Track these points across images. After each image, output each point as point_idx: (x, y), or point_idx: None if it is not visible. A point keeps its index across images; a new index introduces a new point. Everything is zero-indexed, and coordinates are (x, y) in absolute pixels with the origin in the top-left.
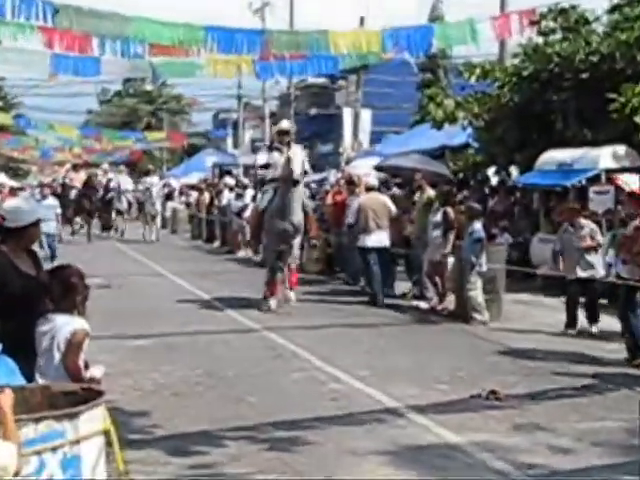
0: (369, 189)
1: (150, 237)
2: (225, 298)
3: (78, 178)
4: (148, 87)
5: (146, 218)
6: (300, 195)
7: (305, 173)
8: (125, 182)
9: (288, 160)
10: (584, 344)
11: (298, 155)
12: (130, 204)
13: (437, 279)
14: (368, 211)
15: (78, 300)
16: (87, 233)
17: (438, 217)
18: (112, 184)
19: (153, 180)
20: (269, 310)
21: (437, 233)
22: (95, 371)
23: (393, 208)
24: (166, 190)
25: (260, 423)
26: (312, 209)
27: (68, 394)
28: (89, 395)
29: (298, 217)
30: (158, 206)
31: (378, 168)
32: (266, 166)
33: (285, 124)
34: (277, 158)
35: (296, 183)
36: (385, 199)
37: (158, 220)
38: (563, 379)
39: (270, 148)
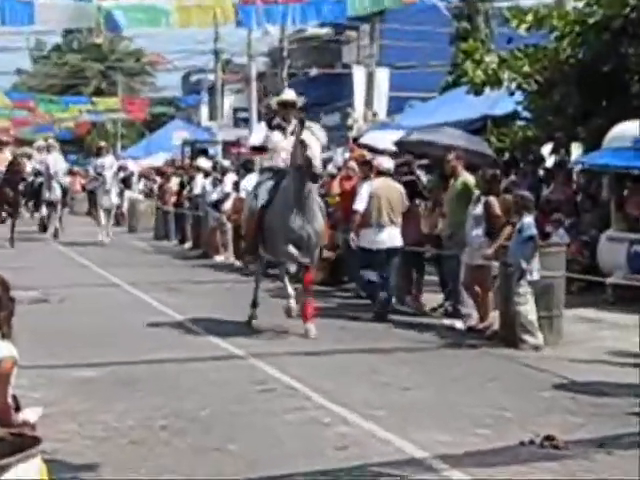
0: (380, 173)
1: (102, 237)
2: (199, 317)
3: (1, 159)
4: (97, 40)
5: (98, 213)
6: (316, 193)
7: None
8: (56, 162)
9: (302, 145)
10: None
11: (318, 138)
12: (65, 192)
13: (477, 290)
14: (382, 201)
15: (1, 318)
16: (10, 233)
17: (479, 209)
18: (37, 165)
19: (106, 161)
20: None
21: (478, 231)
22: (29, 414)
23: (406, 200)
24: (121, 175)
25: (245, 479)
26: (325, 210)
27: None
28: (21, 443)
29: (320, 223)
30: (114, 197)
31: (398, 145)
32: (261, 149)
33: (289, 94)
34: (277, 140)
35: (315, 178)
36: (400, 188)
37: (112, 213)
38: None
39: (270, 125)
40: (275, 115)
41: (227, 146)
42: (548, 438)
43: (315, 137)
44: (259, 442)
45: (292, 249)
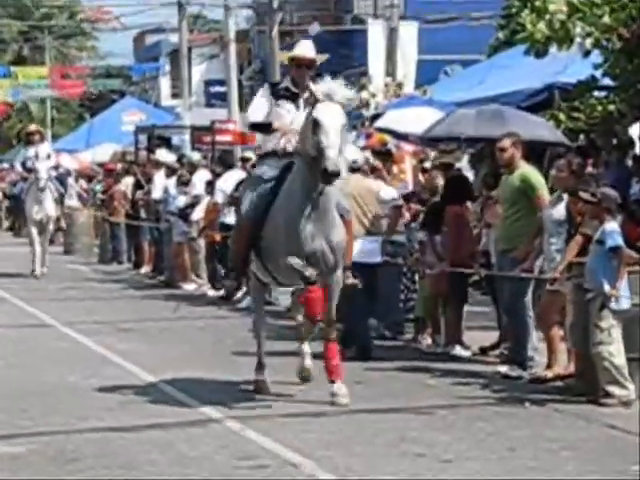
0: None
1: (35, 267)
2: (162, 370)
3: None
4: None
5: (29, 229)
6: (336, 193)
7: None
8: None
9: (314, 125)
10: None
11: (338, 113)
12: None
13: (556, 328)
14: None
15: None
16: None
17: (559, 213)
18: None
19: (40, 151)
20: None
21: (558, 243)
22: None
23: (387, 194)
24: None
25: None
26: (349, 211)
27: None
28: None
29: (340, 231)
30: (50, 205)
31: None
32: (264, 127)
33: (304, 48)
34: (288, 115)
35: (328, 178)
36: (371, 183)
37: (50, 230)
38: None
39: (276, 94)
40: (283, 78)
41: (197, 133)
42: None
43: (334, 113)
44: None
45: (296, 260)
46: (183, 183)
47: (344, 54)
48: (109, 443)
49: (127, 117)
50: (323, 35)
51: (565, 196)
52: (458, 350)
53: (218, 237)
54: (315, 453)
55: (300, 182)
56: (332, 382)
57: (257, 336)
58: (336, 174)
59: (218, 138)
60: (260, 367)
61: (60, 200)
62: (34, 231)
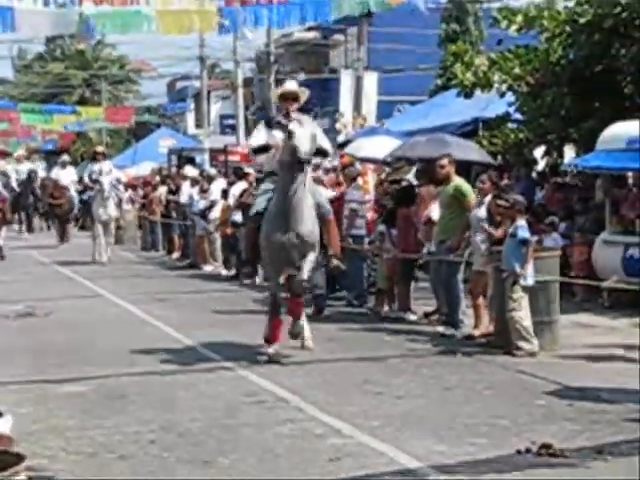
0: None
1: (99, 256)
2: (188, 329)
3: None
4: (81, 46)
5: (94, 227)
6: (311, 189)
7: (322, 154)
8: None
9: (289, 135)
10: None
11: (305, 126)
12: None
13: (480, 298)
14: None
15: None
16: None
17: (482, 213)
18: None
19: (104, 167)
20: (268, 360)
21: (481, 235)
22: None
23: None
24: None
25: None
26: (330, 210)
27: None
28: (5, 460)
29: (307, 225)
30: (112, 208)
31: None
32: (265, 149)
33: (291, 85)
34: (279, 138)
35: (301, 167)
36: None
37: (112, 229)
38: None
39: (269, 124)
40: (276, 112)
41: (214, 154)
42: (545, 446)
43: (304, 127)
44: (250, 455)
45: (278, 275)
46: (203, 191)
47: (323, 96)
48: (148, 384)
49: (162, 142)
50: (307, 81)
51: (486, 201)
52: (408, 315)
53: (229, 231)
54: (302, 391)
55: (279, 186)
56: (297, 321)
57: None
58: (307, 161)
59: (230, 158)
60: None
61: (119, 204)
62: (100, 228)
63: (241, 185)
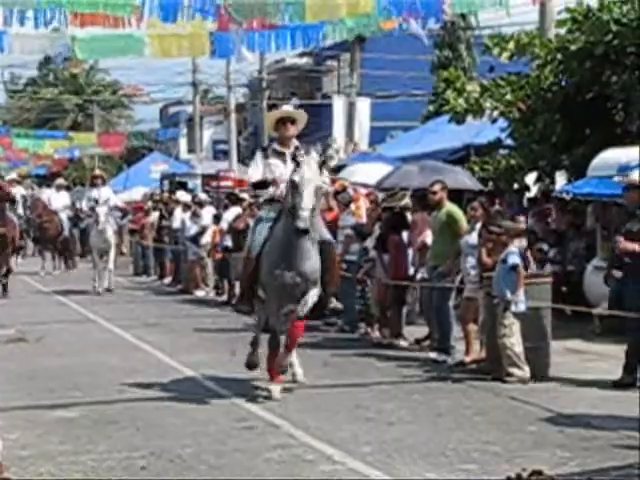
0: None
1: (99, 285)
2: (179, 355)
3: None
4: (74, 70)
5: (93, 256)
6: (315, 227)
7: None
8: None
9: (292, 185)
10: None
11: (312, 166)
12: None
13: (471, 324)
14: None
15: None
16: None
17: (473, 239)
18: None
19: (102, 193)
20: (270, 398)
21: (472, 261)
22: None
23: None
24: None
25: None
26: (333, 244)
27: None
28: None
29: (312, 264)
30: (110, 236)
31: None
32: (264, 184)
33: (286, 107)
34: (279, 167)
35: (299, 233)
36: None
37: (112, 256)
38: (630, 453)
39: (265, 153)
40: (271, 142)
41: (206, 179)
42: (536, 472)
43: (310, 176)
44: None
45: (279, 311)
46: (195, 216)
47: (315, 121)
48: (138, 410)
49: (155, 167)
50: (300, 107)
51: (477, 227)
52: (399, 341)
53: (220, 256)
54: (292, 417)
55: (281, 226)
56: (287, 351)
57: (256, 338)
58: (305, 231)
59: (222, 183)
60: (254, 344)
61: (118, 231)
62: (96, 257)
63: (234, 210)
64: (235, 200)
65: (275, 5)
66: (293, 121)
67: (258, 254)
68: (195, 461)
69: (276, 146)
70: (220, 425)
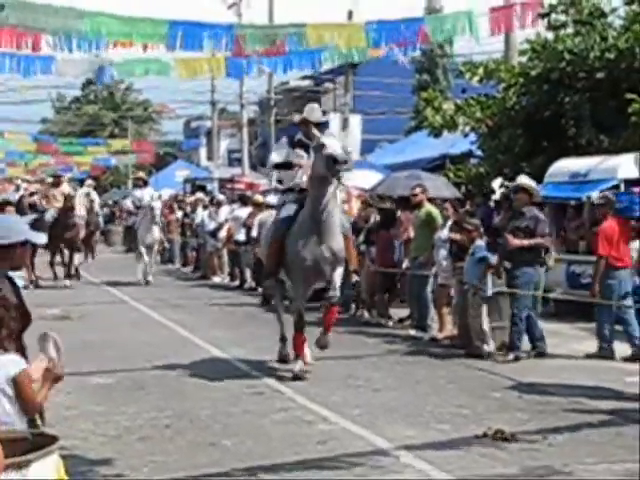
0: (267, 206)
1: (145, 277)
2: (199, 330)
3: (57, 193)
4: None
5: (140, 251)
6: (339, 206)
7: (344, 164)
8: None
9: (321, 147)
10: (602, 377)
11: (334, 141)
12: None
13: (445, 307)
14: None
15: (3, 335)
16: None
17: (444, 235)
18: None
19: (145, 194)
20: (296, 377)
21: (443, 253)
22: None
23: None
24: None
25: (237, 469)
26: (348, 229)
27: (16, 441)
28: (42, 441)
29: (338, 240)
30: (157, 232)
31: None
32: (286, 165)
33: (315, 113)
34: (303, 157)
35: (336, 170)
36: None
37: (156, 250)
38: (578, 416)
39: (292, 143)
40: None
41: (223, 182)
42: (498, 431)
43: (333, 140)
44: (250, 438)
45: (306, 291)
46: (213, 214)
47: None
48: (163, 378)
49: (179, 173)
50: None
51: (447, 224)
52: (385, 320)
53: (233, 247)
54: (294, 384)
55: (309, 203)
56: (326, 332)
57: (280, 321)
58: (345, 161)
59: (236, 186)
60: (283, 339)
61: (164, 228)
62: (144, 252)
63: (246, 210)
64: (246, 201)
65: (282, 35)
66: (317, 125)
67: (284, 235)
68: (211, 421)
69: (302, 137)
70: (233, 391)
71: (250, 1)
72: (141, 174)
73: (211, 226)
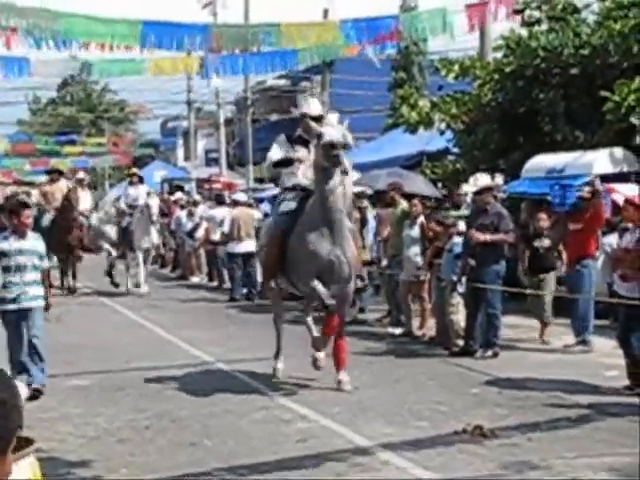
0: (237, 203)
1: (138, 287)
2: (176, 330)
3: (56, 190)
4: (95, 84)
5: (136, 255)
6: (350, 202)
7: (343, 148)
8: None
9: (319, 137)
10: (580, 372)
11: (332, 129)
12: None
13: (410, 302)
14: (241, 223)
15: None
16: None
17: (415, 231)
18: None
19: (140, 191)
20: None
21: (415, 250)
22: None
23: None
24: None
25: (218, 468)
26: (353, 229)
27: None
28: (16, 444)
29: (351, 246)
30: (155, 235)
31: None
32: (286, 162)
33: (315, 107)
34: (301, 154)
35: (337, 160)
36: (253, 213)
37: (153, 254)
38: (557, 410)
39: (290, 140)
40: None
41: (200, 182)
42: (477, 427)
43: (335, 124)
44: (230, 437)
45: (320, 286)
46: (190, 214)
47: (292, 133)
48: (141, 378)
49: (156, 173)
50: (280, 122)
51: (418, 221)
52: (365, 316)
53: (209, 247)
54: (272, 383)
55: (317, 196)
56: (338, 370)
57: (278, 334)
58: (334, 145)
59: (213, 186)
60: (277, 355)
61: (161, 231)
62: (140, 257)
63: (222, 210)
64: (222, 200)
65: (256, 34)
66: (319, 119)
67: (287, 231)
68: (191, 421)
69: (302, 133)
70: (212, 390)
71: (226, 1)
72: (135, 170)
73: (188, 226)
